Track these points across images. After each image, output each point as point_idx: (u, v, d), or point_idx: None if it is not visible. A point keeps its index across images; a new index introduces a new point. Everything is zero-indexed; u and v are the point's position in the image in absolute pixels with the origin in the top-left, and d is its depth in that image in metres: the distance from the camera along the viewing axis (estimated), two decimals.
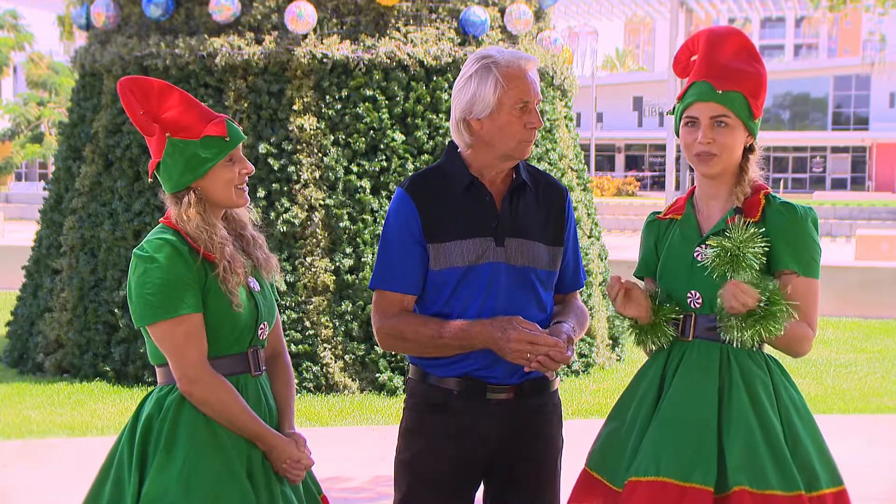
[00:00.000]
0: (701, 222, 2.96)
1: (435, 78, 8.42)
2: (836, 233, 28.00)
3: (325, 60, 8.27)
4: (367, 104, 8.27)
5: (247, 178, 2.91)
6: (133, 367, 8.23)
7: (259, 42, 8.35)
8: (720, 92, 2.85)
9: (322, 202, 8.17)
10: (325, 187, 8.22)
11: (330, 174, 8.21)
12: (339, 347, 8.04)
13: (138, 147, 8.47)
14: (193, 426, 2.76)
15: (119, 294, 8.30)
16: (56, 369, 8.62)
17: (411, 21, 8.54)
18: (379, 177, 8.26)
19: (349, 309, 8.05)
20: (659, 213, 3.12)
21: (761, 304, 2.76)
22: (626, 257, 11.83)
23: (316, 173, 8.22)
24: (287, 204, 8.15)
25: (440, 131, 8.35)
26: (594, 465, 2.95)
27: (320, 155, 8.25)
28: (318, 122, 8.27)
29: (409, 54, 8.35)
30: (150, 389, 2.95)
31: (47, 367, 8.64)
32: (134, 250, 2.83)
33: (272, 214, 8.12)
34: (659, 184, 52.26)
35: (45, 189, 10.23)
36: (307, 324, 8.02)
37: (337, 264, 8.11)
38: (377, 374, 8.01)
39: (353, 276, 8.09)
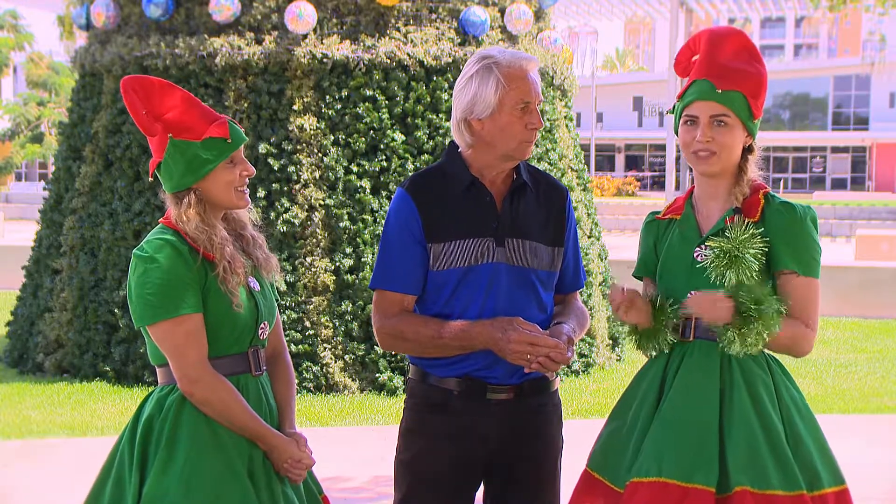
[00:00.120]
0: (700, 222, 2.96)
1: (435, 78, 8.42)
2: (836, 233, 28.00)
3: (325, 60, 8.27)
4: (367, 104, 8.27)
5: (247, 180, 2.91)
6: (133, 367, 8.23)
7: (259, 42, 8.36)
8: (720, 91, 2.85)
9: (322, 202, 8.17)
10: (325, 187, 8.22)
11: (330, 174, 8.21)
12: (339, 347, 8.04)
13: (138, 147, 8.47)
14: (194, 426, 2.76)
15: (119, 294, 8.30)
16: (56, 369, 8.62)
17: (411, 21, 8.54)
18: (379, 177, 8.26)
19: (349, 309, 8.06)
20: (658, 213, 3.11)
21: (751, 306, 2.76)
22: (626, 257, 11.82)
23: (316, 173, 8.22)
24: (287, 204, 8.15)
25: (440, 131, 8.35)
26: (595, 465, 2.95)
27: (320, 155, 8.25)
28: (318, 122, 8.27)
29: (409, 54, 8.35)
30: (150, 389, 2.95)
31: (47, 367, 8.64)
32: (134, 251, 2.83)
33: (272, 214, 8.12)
34: (659, 184, 52.27)
35: (45, 189, 10.23)
36: (307, 324, 8.02)
37: (337, 264, 8.11)
38: (377, 374, 8.01)
39: (353, 276, 8.09)
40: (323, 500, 3.04)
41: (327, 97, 8.29)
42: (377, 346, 7.80)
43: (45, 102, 43.15)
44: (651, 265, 3.05)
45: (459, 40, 8.61)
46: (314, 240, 8.16)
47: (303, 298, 8.05)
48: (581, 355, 8.95)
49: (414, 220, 2.92)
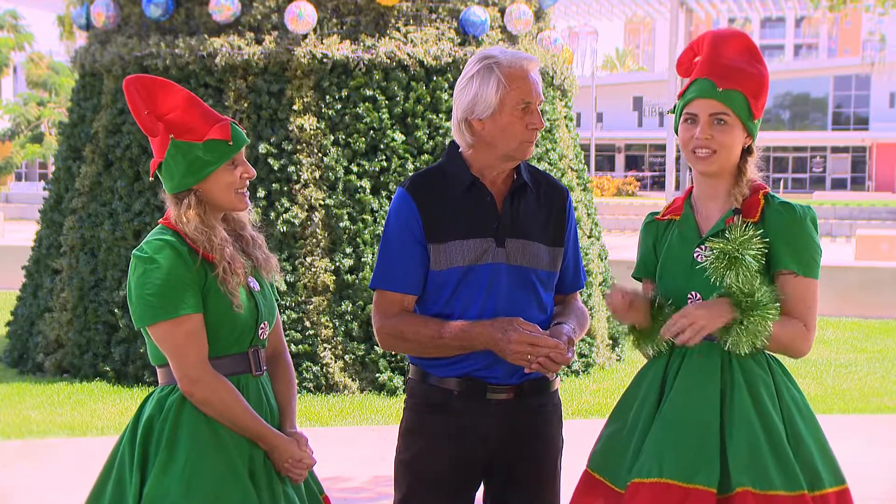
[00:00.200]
0: (700, 223, 2.96)
1: (435, 78, 8.42)
2: (836, 233, 28.00)
3: (325, 60, 8.27)
4: (367, 104, 8.27)
5: (248, 182, 2.91)
6: (133, 367, 8.23)
7: (259, 42, 8.36)
8: (721, 90, 2.85)
9: (322, 202, 8.17)
10: (325, 187, 8.22)
11: (330, 174, 8.21)
12: (339, 347, 8.04)
13: (138, 147, 8.47)
14: (195, 426, 2.76)
15: (119, 294, 8.30)
16: (56, 369, 8.62)
17: (411, 21, 8.54)
18: (379, 177, 8.26)
19: (349, 309, 8.06)
20: (657, 213, 3.11)
21: (745, 298, 2.77)
22: (626, 257, 11.82)
23: (316, 173, 8.22)
24: (287, 204, 8.15)
25: (440, 131, 8.35)
26: (596, 466, 2.95)
27: (320, 155, 8.25)
28: (318, 122, 8.27)
29: (409, 54, 8.35)
30: (150, 390, 2.95)
31: (47, 367, 8.64)
32: (133, 251, 2.82)
33: (272, 214, 8.12)
34: (659, 184, 52.27)
35: (45, 189, 10.23)
36: (307, 324, 8.02)
37: (337, 264, 8.11)
38: (377, 374, 8.01)
39: (353, 276, 8.09)
40: (324, 500, 3.04)
41: (327, 97, 8.29)
42: (377, 346, 7.81)
43: (45, 102, 43.15)
44: (650, 266, 3.05)
45: (459, 40, 8.61)
46: (314, 240, 8.16)
47: (303, 298, 8.05)
48: (581, 355, 8.95)
49: (414, 220, 2.92)
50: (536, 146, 9.03)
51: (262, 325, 2.92)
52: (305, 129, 8.22)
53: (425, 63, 8.39)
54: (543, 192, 3.05)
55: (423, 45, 8.42)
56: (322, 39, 8.33)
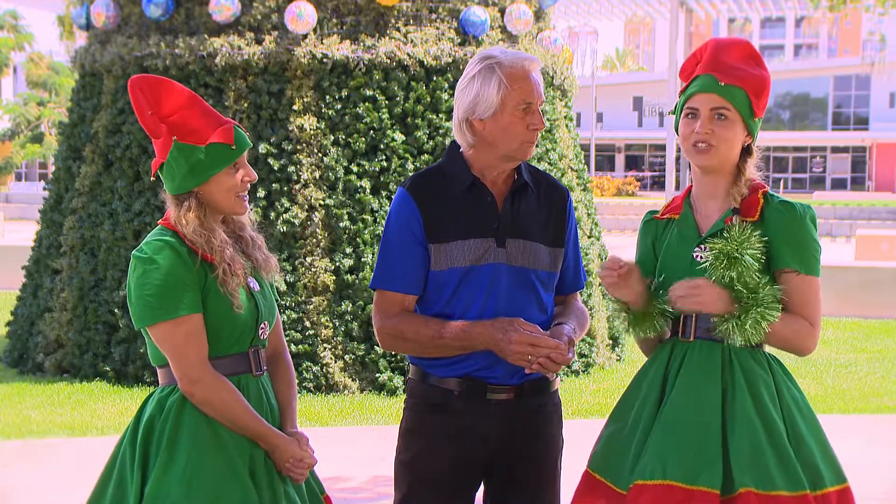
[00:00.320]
0: (699, 222, 2.96)
1: (435, 78, 8.43)
2: (836, 233, 28.00)
3: (325, 60, 8.27)
4: (367, 104, 8.27)
5: (248, 186, 2.91)
6: (133, 368, 8.23)
7: (259, 42, 8.36)
8: (722, 84, 2.85)
9: (322, 202, 8.18)
10: (325, 187, 8.22)
11: (330, 174, 8.21)
12: (339, 347, 8.04)
13: (138, 147, 8.47)
14: (195, 426, 2.76)
15: (119, 294, 8.30)
16: (56, 369, 8.62)
17: (411, 21, 8.54)
18: (379, 177, 8.26)
19: (349, 309, 8.06)
20: (656, 212, 3.10)
21: (747, 294, 2.77)
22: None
23: (316, 173, 8.22)
24: (287, 204, 8.15)
25: (440, 131, 8.35)
26: (596, 466, 2.94)
27: (320, 155, 8.25)
28: (318, 122, 8.28)
29: (409, 54, 8.35)
30: (150, 390, 2.95)
31: (47, 367, 8.64)
32: (133, 252, 2.82)
33: (272, 214, 8.12)
34: (659, 184, 52.27)
35: (45, 189, 10.23)
36: (307, 324, 8.02)
37: (337, 264, 8.12)
38: (377, 374, 8.01)
39: (353, 276, 8.09)
40: (325, 500, 3.04)
41: (327, 97, 8.29)
42: (377, 346, 7.81)
43: (45, 102, 43.15)
44: (649, 265, 3.05)
45: (459, 40, 8.61)
46: (314, 240, 8.16)
47: (303, 298, 8.05)
48: (581, 355, 8.95)
49: (415, 220, 2.92)
50: (536, 146, 9.04)
51: (262, 326, 2.92)
52: (305, 129, 8.22)
53: (425, 63, 8.39)
54: (544, 192, 3.05)
55: (423, 45, 8.42)
56: (322, 39, 8.33)
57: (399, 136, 8.27)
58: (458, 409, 2.94)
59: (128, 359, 8.28)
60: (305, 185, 8.19)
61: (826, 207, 31.84)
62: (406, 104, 8.33)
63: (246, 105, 8.33)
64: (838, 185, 57.64)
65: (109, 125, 8.74)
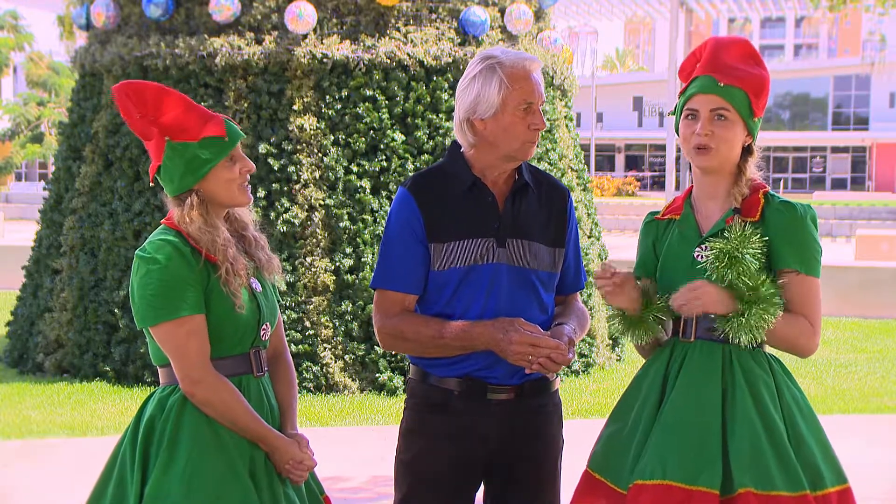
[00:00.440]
0: (700, 222, 2.96)
1: (435, 78, 8.43)
2: (836, 233, 28.00)
3: (325, 60, 8.27)
4: (367, 104, 8.27)
5: (248, 176, 2.91)
6: (133, 367, 8.23)
7: (259, 42, 8.36)
8: (722, 85, 2.85)
9: (322, 202, 8.18)
10: (325, 187, 8.22)
11: (330, 174, 8.21)
12: (339, 347, 8.04)
13: (138, 147, 8.47)
14: (196, 427, 2.76)
15: (119, 294, 8.30)
16: (56, 369, 8.62)
17: (411, 21, 8.54)
18: (379, 177, 8.26)
19: (349, 309, 8.06)
20: (657, 213, 3.11)
21: (749, 291, 2.77)
22: (626, 257, 11.82)
23: (316, 173, 8.22)
24: (287, 204, 8.15)
25: (440, 131, 8.35)
26: (596, 466, 2.95)
27: (320, 155, 8.25)
28: (318, 122, 8.28)
29: (409, 54, 8.35)
30: (151, 390, 2.95)
31: (47, 367, 8.64)
32: (136, 251, 2.82)
33: (272, 214, 8.12)
34: (659, 184, 52.26)
35: (45, 189, 10.23)
36: (307, 324, 8.02)
37: (337, 264, 8.12)
38: (377, 374, 8.01)
39: (353, 276, 8.09)
40: (325, 501, 3.04)
41: (327, 97, 8.29)
42: (377, 346, 7.81)
43: (45, 102, 43.14)
44: (650, 266, 3.05)
45: (459, 40, 8.61)
46: (314, 240, 8.16)
47: (303, 298, 8.05)
48: (581, 355, 8.95)
49: (416, 220, 2.92)
50: (537, 146, 9.05)
51: (263, 326, 2.91)
52: (305, 129, 8.22)
53: (425, 63, 8.39)
54: (544, 192, 3.05)
55: (423, 45, 8.42)
56: (322, 39, 8.33)
57: (399, 136, 8.27)
58: (458, 409, 2.94)
59: (128, 359, 8.28)
60: (305, 185, 8.19)
61: (826, 207, 31.84)
62: (406, 104, 8.33)
63: (246, 105, 8.33)
64: (838, 185, 57.63)
65: (109, 125, 8.74)
